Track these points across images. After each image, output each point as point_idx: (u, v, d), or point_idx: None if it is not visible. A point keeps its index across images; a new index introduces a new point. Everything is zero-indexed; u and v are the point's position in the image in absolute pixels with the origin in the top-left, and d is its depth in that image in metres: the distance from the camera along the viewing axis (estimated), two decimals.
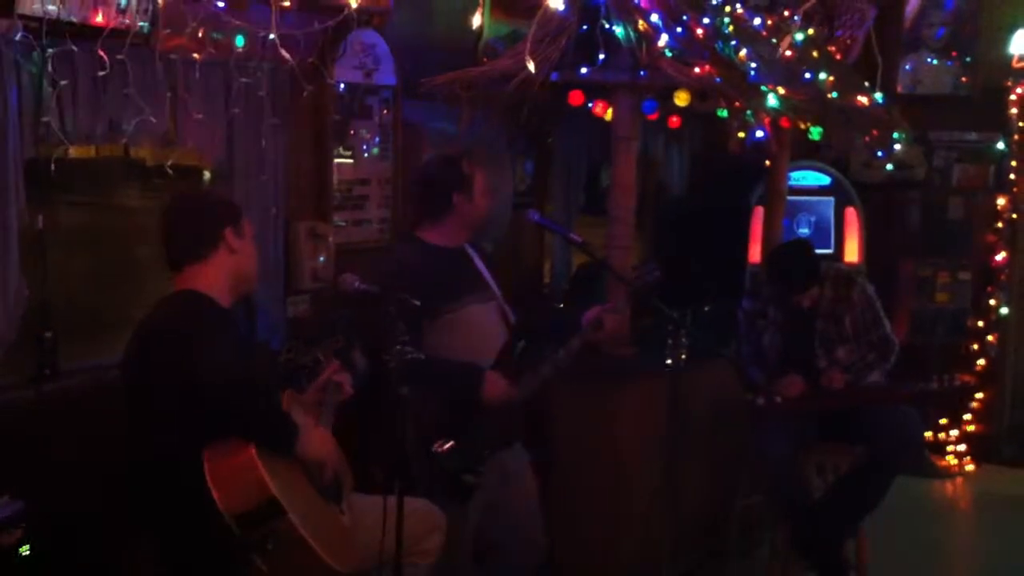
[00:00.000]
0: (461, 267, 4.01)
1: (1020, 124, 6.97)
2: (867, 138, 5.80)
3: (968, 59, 7.09)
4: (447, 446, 3.77)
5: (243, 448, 2.80)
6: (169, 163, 3.60)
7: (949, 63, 7.14)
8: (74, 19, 3.20)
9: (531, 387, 3.99)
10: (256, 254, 3.27)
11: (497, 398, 3.86)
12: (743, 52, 4.69)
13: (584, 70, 4.28)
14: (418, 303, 3.27)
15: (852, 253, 6.83)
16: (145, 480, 2.95)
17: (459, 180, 3.92)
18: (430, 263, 3.89)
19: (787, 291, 4.62)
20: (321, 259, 4.42)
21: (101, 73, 3.35)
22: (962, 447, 7.04)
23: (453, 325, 3.86)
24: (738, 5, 5.14)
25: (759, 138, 4.63)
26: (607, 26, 4.24)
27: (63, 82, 3.27)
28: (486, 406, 3.85)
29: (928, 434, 6.80)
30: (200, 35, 3.61)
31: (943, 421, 6.98)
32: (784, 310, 4.65)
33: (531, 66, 4.08)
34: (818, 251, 5.01)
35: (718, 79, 4.22)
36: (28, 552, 2.88)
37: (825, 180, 6.88)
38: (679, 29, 4.41)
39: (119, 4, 3.31)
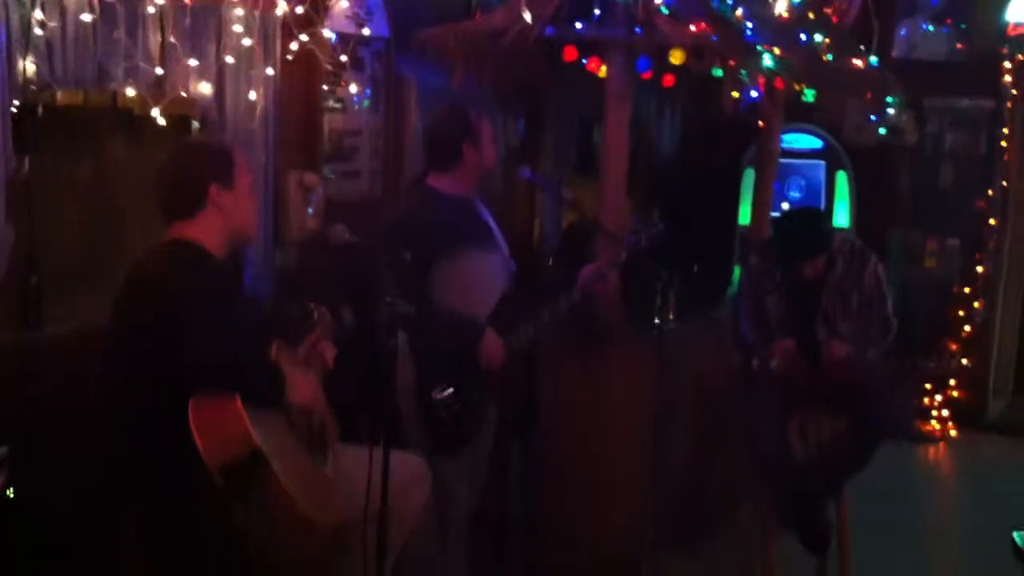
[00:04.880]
0: (467, 217, 4.03)
1: (1013, 91, 6.96)
2: (860, 101, 5.78)
3: (963, 25, 7.07)
4: (447, 392, 3.80)
5: (228, 399, 2.79)
6: (158, 111, 3.56)
7: (944, 29, 7.11)
8: None
9: (519, 344, 4.00)
10: (251, 206, 3.21)
11: (491, 356, 3.89)
12: (739, 11, 4.65)
13: (579, 26, 4.24)
14: (408, 255, 3.26)
15: (842, 218, 6.83)
16: (127, 428, 2.94)
17: (467, 129, 3.94)
18: (434, 211, 3.92)
19: (791, 258, 4.58)
20: (310, 210, 4.39)
21: (90, 16, 3.30)
22: (946, 412, 7.08)
23: (451, 274, 3.86)
24: None
25: (753, 99, 4.60)
26: None
27: (52, 24, 3.23)
28: (480, 362, 3.88)
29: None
30: None
31: (928, 386, 7.01)
32: (791, 276, 4.62)
33: (527, 16, 4.05)
34: None
35: (714, 37, 4.19)
36: (12, 495, 2.87)
37: (817, 143, 6.88)
38: None
39: None
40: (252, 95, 3.97)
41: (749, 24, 4.62)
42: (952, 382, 6.98)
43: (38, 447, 3.23)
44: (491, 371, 3.92)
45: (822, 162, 6.88)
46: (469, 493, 4.13)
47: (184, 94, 3.72)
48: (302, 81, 4.34)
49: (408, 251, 3.52)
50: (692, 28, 4.15)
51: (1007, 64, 6.93)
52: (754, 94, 4.50)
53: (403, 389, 3.85)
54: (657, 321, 4.66)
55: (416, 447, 3.81)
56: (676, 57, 4.15)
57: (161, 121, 3.57)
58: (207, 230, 3.08)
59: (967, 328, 7.03)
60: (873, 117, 6.06)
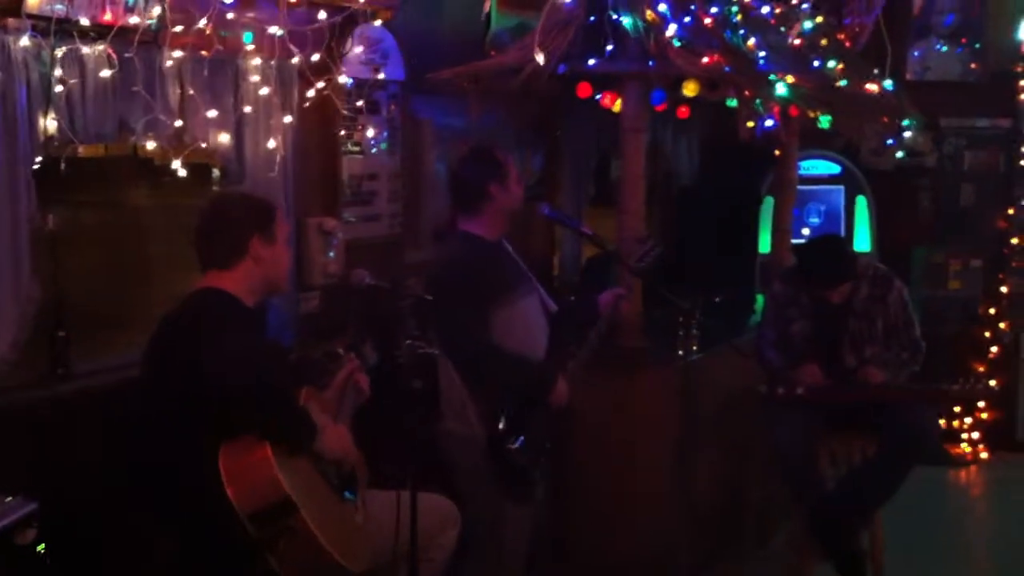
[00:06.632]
0: (506, 260, 4.02)
1: None
2: (877, 125, 5.79)
3: (977, 45, 7.07)
4: (519, 442, 3.79)
5: (259, 446, 2.80)
6: (178, 161, 3.59)
7: (958, 49, 7.12)
8: (82, 18, 3.19)
9: (572, 381, 4.01)
10: (287, 258, 3.28)
11: (561, 398, 3.90)
12: (752, 41, 4.67)
13: (592, 61, 4.26)
14: (430, 298, 3.26)
15: (863, 242, 6.81)
16: (159, 477, 2.95)
17: (494, 169, 3.93)
18: (484, 257, 3.91)
19: (816, 285, 4.59)
20: (331, 255, 4.41)
21: (110, 72, 3.34)
22: (976, 435, 7.02)
23: (509, 319, 3.86)
24: None
25: (769, 127, 4.61)
26: (615, 16, 4.23)
27: (72, 81, 3.26)
28: (549, 405, 3.88)
29: (942, 422, 6.79)
30: (208, 32, 3.60)
31: (957, 409, 6.96)
32: (817, 302, 4.62)
33: (540, 58, 4.07)
34: None
35: (727, 68, 4.21)
36: (44, 551, 2.88)
37: (835, 169, 6.87)
38: (687, 18, 4.39)
39: (127, 2, 3.30)
40: (271, 143, 3.99)
41: (762, 53, 4.65)
42: (981, 404, 6.92)
43: (68, 501, 3.24)
44: (556, 412, 3.92)
45: (841, 187, 6.86)
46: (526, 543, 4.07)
47: (204, 144, 3.75)
48: (320, 127, 4.37)
49: (460, 298, 3.49)
50: (705, 60, 4.17)
51: (1022, 82, 6.92)
52: (769, 122, 4.52)
53: (466, 437, 3.83)
54: (680, 351, 4.69)
55: (485, 501, 3.80)
56: (690, 89, 4.16)
57: (182, 171, 3.60)
58: (242, 280, 3.11)
59: (994, 349, 6.98)
60: (890, 140, 6.06)
